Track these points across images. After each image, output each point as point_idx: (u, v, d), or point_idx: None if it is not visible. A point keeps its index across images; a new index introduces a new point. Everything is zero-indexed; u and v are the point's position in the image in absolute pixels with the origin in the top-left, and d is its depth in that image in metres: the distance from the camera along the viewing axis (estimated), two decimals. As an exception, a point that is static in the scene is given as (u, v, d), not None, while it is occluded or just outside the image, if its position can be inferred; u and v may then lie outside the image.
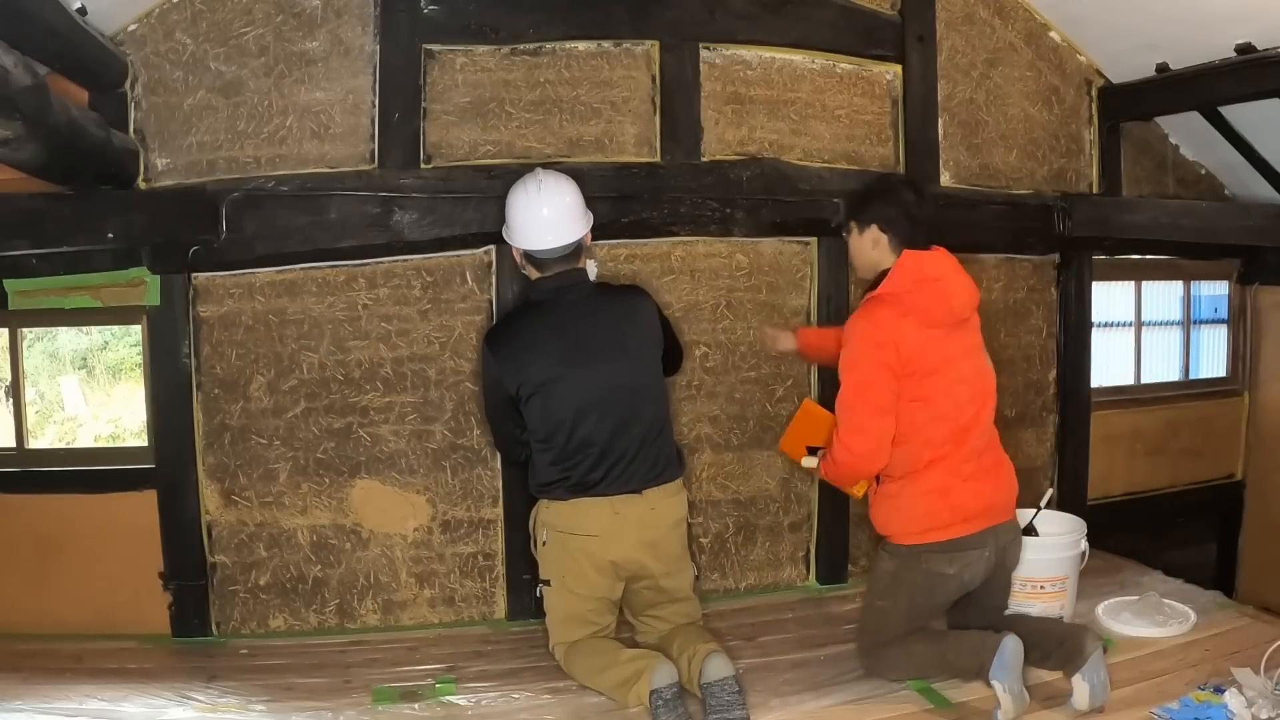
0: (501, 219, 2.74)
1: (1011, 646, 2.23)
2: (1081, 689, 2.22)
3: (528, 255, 2.59)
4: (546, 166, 2.91)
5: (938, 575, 2.41)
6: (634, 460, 2.50)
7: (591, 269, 2.70)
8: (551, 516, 2.55)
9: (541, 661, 2.67)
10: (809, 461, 2.62)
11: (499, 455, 2.99)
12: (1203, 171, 4.04)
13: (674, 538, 2.62)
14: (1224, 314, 4.39)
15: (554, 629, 2.61)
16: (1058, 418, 3.79)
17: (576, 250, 2.59)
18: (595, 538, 2.49)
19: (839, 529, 3.35)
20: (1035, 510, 2.89)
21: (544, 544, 2.57)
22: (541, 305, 2.58)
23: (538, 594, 2.67)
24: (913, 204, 2.46)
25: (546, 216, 2.54)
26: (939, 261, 2.43)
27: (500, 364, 2.51)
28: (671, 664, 2.31)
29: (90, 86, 2.71)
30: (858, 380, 2.38)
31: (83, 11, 2.46)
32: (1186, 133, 3.86)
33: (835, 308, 3.28)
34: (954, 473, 2.39)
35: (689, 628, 2.61)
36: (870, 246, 2.48)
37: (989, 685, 2.22)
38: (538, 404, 2.50)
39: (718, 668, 2.27)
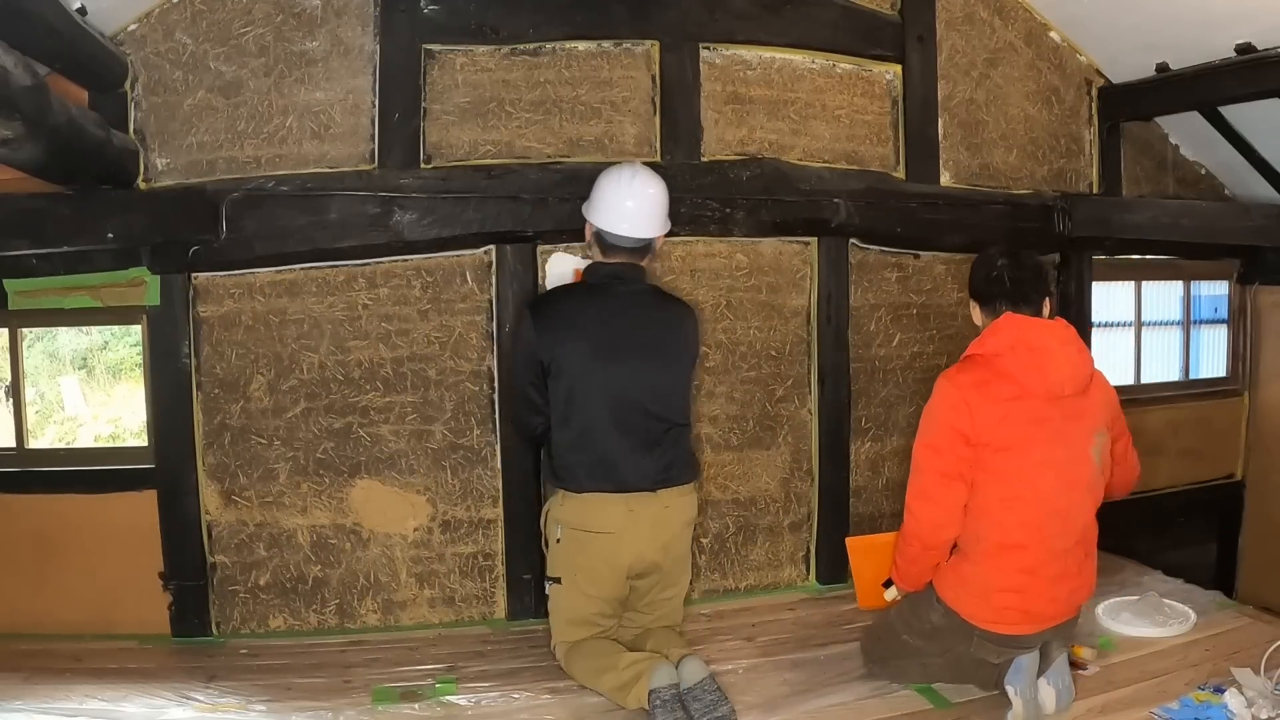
0: (502, 218, 2.74)
1: (1028, 654, 2.23)
2: (1047, 692, 2.22)
3: (598, 235, 2.61)
4: (545, 167, 2.94)
5: (980, 658, 2.31)
6: (648, 458, 2.51)
7: (565, 260, 2.67)
8: (566, 513, 2.54)
9: (541, 661, 2.67)
10: (891, 593, 2.52)
11: (513, 427, 2.91)
12: (1203, 171, 4.04)
13: (684, 538, 2.63)
14: (1224, 314, 4.40)
15: (558, 628, 2.60)
16: (1058, 418, 3.78)
17: (645, 249, 2.62)
18: (611, 535, 2.49)
19: (839, 529, 3.34)
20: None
21: (558, 541, 2.57)
22: (592, 289, 2.61)
23: (546, 591, 2.66)
24: (999, 269, 2.31)
25: (630, 208, 2.57)
26: (1046, 332, 2.24)
27: (538, 332, 2.52)
28: (671, 665, 2.31)
29: (90, 86, 2.71)
30: (928, 443, 2.27)
31: (83, 11, 2.46)
32: (1186, 133, 3.87)
33: (835, 307, 3.29)
34: (1033, 572, 2.22)
35: (663, 631, 2.61)
36: (976, 319, 2.41)
37: (1003, 691, 2.23)
38: (564, 384, 2.51)
39: (694, 670, 2.29)
